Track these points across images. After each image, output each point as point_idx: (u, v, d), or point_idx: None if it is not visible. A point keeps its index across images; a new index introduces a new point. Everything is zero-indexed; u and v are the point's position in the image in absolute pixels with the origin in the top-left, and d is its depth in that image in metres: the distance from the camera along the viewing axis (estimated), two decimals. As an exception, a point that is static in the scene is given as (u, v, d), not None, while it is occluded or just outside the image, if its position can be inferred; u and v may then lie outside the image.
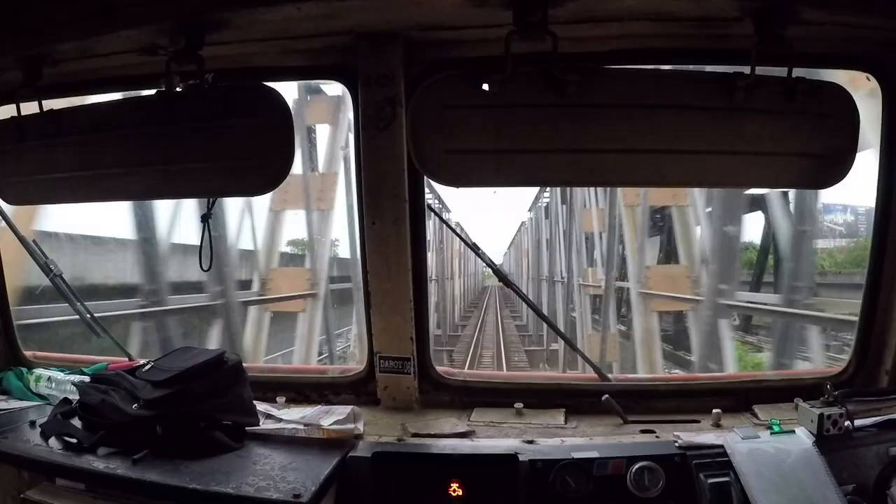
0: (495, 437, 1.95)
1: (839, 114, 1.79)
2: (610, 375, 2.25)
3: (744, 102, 1.75)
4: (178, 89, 1.90)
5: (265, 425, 1.92)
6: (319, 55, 2.01)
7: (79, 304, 2.38)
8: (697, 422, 2.02)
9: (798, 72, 1.78)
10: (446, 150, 1.76)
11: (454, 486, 1.70)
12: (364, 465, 1.73)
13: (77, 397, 1.96)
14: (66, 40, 1.92)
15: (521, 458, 1.72)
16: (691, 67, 1.99)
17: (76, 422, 1.90)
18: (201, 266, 1.94)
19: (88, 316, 2.37)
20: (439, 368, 2.24)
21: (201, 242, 1.96)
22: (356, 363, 2.36)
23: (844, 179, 1.84)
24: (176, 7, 1.76)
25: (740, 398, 2.13)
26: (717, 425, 1.98)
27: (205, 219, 1.97)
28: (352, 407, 1.96)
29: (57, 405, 2.00)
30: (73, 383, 2.07)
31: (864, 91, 2.00)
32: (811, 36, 1.89)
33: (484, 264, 2.79)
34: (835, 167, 1.83)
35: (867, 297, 2.12)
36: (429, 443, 1.89)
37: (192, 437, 1.79)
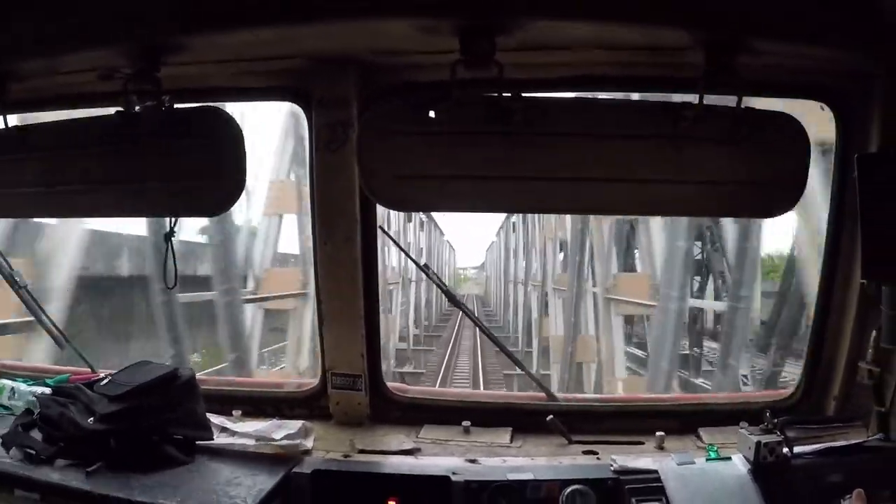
0: (440, 455, 1.99)
1: (788, 143, 1.79)
2: (559, 395, 2.28)
3: (692, 131, 1.75)
4: (136, 109, 1.93)
5: (218, 439, 1.96)
6: (275, 77, 2.04)
7: (44, 316, 2.43)
8: (642, 443, 2.05)
9: (753, 101, 1.78)
10: (394, 176, 1.78)
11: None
12: (305, 482, 1.78)
13: (38, 409, 2.01)
14: (31, 58, 1.96)
15: (457, 478, 1.76)
16: (640, 95, 1.99)
17: (36, 433, 1.95)
18: (165, 283, 1.98)
19: (52, 326, 2.42)
20: (390, 385, 2.28)
21: (164, 261, 1.99)
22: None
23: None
24: (135, 30, 1.79)
25: (685, 421, 2.16)
26: (661, 447, 2.01)
27: (167, 238, 2.00)
28: (303, 422, 2.00)
29: (18, 417, 2.05)
30: (35, 395, 2.12)
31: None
32: (763, 65, 1.88)
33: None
34: (784, 196, 1.83)
35: (816, 324, 2.13)
36: (374, 460, 1.93)
37: (144, 451, 1.85)
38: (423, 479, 1.80)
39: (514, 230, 28.50)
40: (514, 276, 28.94)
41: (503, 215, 28.32)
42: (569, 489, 1.74)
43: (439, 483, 1.75)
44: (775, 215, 1.94)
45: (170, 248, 2.06)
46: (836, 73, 1.96)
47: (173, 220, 2.07)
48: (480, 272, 59.53)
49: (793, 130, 1.79)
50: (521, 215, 23.66)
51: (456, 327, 29.74)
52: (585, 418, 2.18)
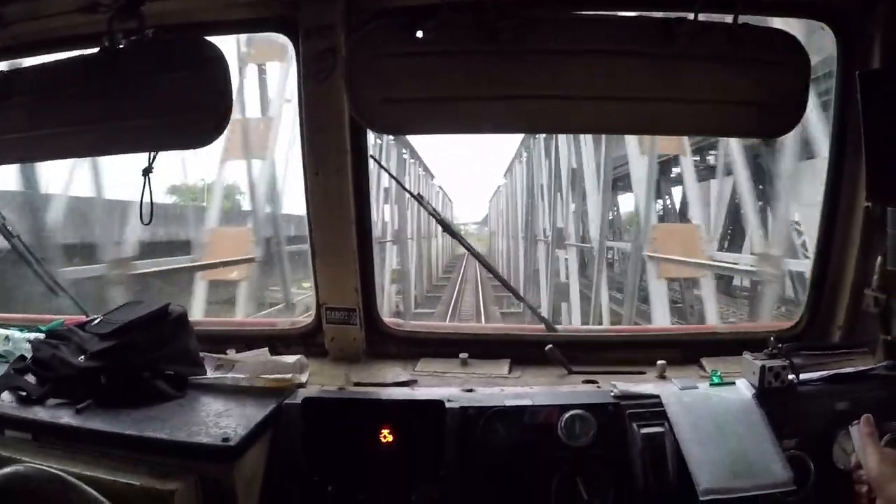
0: (436, 385, 1.96)
1: (788, 61, 1.74)
2: (558, 327, 2.24)
3: (687, 49, 1.71)
4: (120, 46, 1.90)
5: (212, 375, 1.94)
6: (261, 7, 2.00)
7: (38, 266, 2.42)
8: (643, 373, 2.01)
9: (747, 20, 1.73)
10: (383, 99, 1.74)
11: (385, 432, 1.71)
12: (297, 412, 1.75)
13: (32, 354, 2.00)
14: (11, 1, 1.94)
15: (452, 405, 1.73)
16: (635, 12, 1.94)
17: (29, 377, 1.94)
18: (141, 220, 1.95)
19: (48, 277, 2.41)
20: (386, 319, 2.24)
21: (142, 197, 1.97)
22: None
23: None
24: None
25: (688, 351, 2.12)
26: (662, 377, 1.96)
27: (146, 173, 1.97)
28: (299, 357, 1.98)
29: (12, 362, 2.03)
30: (29, 341, 2.10)
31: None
32: None
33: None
34: (784, 116, 1.79)
35: (819, 251, 2.08)
36: (369, 391, 1.90)
37: (135, 387, 1.82)
38: (417, 404, 1.76)
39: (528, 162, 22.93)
40: (532, 229, 22.27)
41: (513, 152, 25.90)
42: (567, 414, 1.70)
43: (434, 408, 1.72)
44: (777, 135, 1.91)
45: (148, 183, 2.03)
46: None
47: (152, 155, 2.04)
48: (482, 228, 55.37)
49: (793, 47, 1.75)
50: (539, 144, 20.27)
51: (455, 290, 28.51)
52: (586, 349, 2.15)
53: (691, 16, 1.69)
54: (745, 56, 1.72)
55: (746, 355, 1.83)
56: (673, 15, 1.72)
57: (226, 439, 1.60)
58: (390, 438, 1.70)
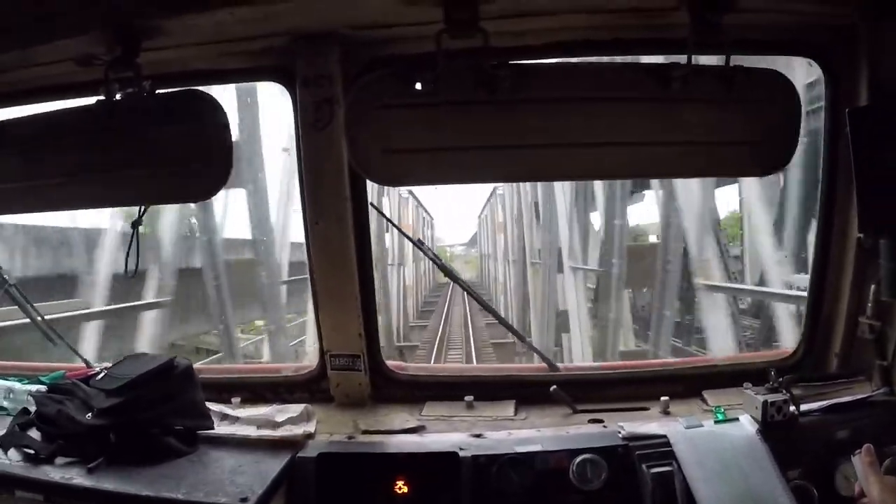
0: (445, 431, 1.97)
1: (779, 99, 1.78)
2: (560, 365, 2.26)
3: (681, 92, 1.73)
4: (117, 97, 1.89)
5: (218, 429, 1.94)
6: (257, 57, 2.00)
7: (34, 312, 2.39)
8: (647, 409, 2.04)
9: (740, 60, 1.77)
10: (383, 150, 1.74)
11: (399, 483, 1.73)
12: (311, 466, 1.76)
13: (35, 408, 1.98)
14: (5, 50, 1.91)
15: (464, 454, 1.74)
16: (628, 59, 1.97)
17: (34, 433, 1.92)
18: (126, 272, 1.95)
19: (43, 323, 2.38)
20: (390, 363, 2.25)
21: (128, 249, 1.96)
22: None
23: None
24: (107, 15, 1.75)
25: (689, 385, 2.15)
26: (666, 412, 2.00)
27: (135, 225, 1.97)
28: (305, 405, 1.99)
29: (15, 416, 2.02)
30: (31, 394, 2.08)
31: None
32: (751, 23, 1.88)
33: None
34: (777, 153, 1.82)
35: (815, 281, 2.13)
36: (379, 440, 1.91)
37: (144, 444, 1.82)
38: (430, 456, 1.78)
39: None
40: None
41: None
42: (578, 458, 1.73)
43: (447, 459, 1.74)
44: (769, 173, 1.95)
45: (135, 235, 2.03)
46: (821, 28, 1.94)
47: (142, 209, 2.04)
48: (469, 249, 52.13)
49: (783, 87, 1.78)
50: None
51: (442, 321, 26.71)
52: (589, 387, 2.17)
53: (683, 60, 1.72)
54: (738, 97, 1.75)
55: (748, 390, 1.87)
56: (669, 59, 1.75)
57: (244, 499, 1.60)
58: (405, 490, 1.72)
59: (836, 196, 2.03)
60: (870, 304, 1.98)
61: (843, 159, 1.96)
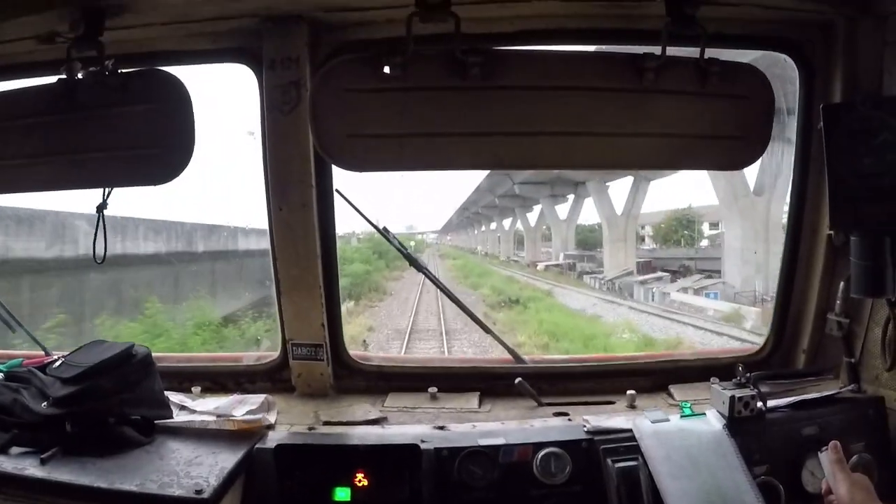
0: (407, 423, 1.94)
1: (753, 94, 1.77)
2: (525, 357, 2.24)
3: (655, 84, 1.72)
4: (79, 76, 1.84)
5: (177, 418, 1.89)
6: (224, 38, 1.96)
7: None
8: (612, 403, 2.03)
9: (714, 53, 1.75)
10: (349, 135, 1.70)
11: (360, 476, 1.69)
12: (270, 458, 1.71)
13: (-10, 396, 1.92)
14: None
15: (426, 446, 1.71)
16: (603, 48, 1.94)
17: (-11, 422, 1.86)
18: (94, 259, 1.89)
19: (4, 312, 2.30)
20: (353, 353, 2.21)
21: (95, 234, 1.91)
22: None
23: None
24: None
25: (656, 379, 2.14)
26: (632, 406, 1.99)
27: (100, 209, 1.91)
28: (265, 396, 1.94)
29: None
30: (-14, 381, 2.02)
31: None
32: (725, 17, 1.88)
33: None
34: (750, 148, 1.82)
35: (784, 277, 2.12)
36: (340, 431, 1.88)
37: (100, 434, 1.76)
38: (391, 448, 1.74)
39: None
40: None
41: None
42: (542, 452, 1.70)
43: (408, 452, 1.70)
44: (740, 167, 1.94)
45: (101, 219, 1.98)
46: (798, 24, 1.95)
47: (107, 191, 1.98)
48: (443, 236, 51.02)
49: (757, 82, 1.78)
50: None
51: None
52: (554, 380, 2.16)
53: (658, 50, 1.70)
54: (712, 90, 1.75)
55: (715, 385, 1.86)
56: (641, 50, 1.73)
57: (199, 491, 1.55)
58: (366, 483, 1.68)
59: (808, 192, 2.03)
60: (839, 301, 1.98)
61: (815, 154, 1.96)
